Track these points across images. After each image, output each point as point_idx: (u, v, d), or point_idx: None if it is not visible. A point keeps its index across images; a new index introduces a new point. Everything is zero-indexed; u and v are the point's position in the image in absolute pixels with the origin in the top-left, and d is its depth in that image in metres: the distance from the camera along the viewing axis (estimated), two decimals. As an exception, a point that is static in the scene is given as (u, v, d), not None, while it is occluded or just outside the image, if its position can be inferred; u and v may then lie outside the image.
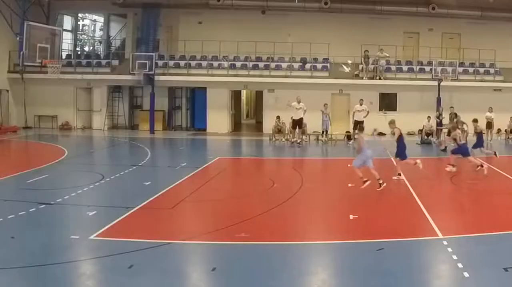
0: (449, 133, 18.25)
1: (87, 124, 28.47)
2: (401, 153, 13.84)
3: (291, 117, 22.38)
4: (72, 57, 29.01)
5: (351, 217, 9.76)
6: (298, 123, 22.19)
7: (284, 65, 26.96)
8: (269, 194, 12.07)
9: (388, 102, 26.89)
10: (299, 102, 22.20)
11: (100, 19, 33.40)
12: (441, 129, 23.36)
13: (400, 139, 13.94)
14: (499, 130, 24.56)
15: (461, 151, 15.00)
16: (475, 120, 17.18)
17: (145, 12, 27.54)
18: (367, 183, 12.15)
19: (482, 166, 14.66)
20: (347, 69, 26.69)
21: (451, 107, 21.89)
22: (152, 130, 26.44)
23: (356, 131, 14.30)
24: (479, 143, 16.67)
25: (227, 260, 7.54)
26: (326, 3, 26.26)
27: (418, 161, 13.97)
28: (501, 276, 6.70)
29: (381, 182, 12.22)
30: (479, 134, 16.76)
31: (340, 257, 7.74)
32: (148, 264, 7.18)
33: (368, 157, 12.36)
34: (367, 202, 11.36)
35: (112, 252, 7.62)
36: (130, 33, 29.31)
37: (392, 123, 14.17)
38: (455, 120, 19.79)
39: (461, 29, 27.70)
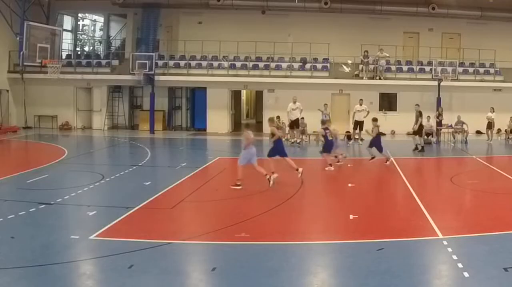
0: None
1: (87, 124, 28.50)
2: (274, 154, 13.39)
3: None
4: (72, 57, 29.04)
5: (351, 217, 9.75)
6: (295, 123, 22.21)
7: (284, 65, 26.97)
8: (269, 194, 12.06)
9: (388, 102, 26.93)
10: (295, 102, 22.22)
11: (100, 19, 33.43)
12: (441, 129, 23.42)
13: (276, 140, 13.45)
14: (499, 130, 24.57)
15: (328, 146, 15.50)
16: (374, 119, 17.02)
17: (145, 12, 27.56)
18: (239, 187, 12.07)
19: (330, 165, 15.10)
20: (347, 69, 26.72)
21: (416, 105, 21.54)
22: (152, 130, 26.45)
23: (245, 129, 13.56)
24: (375, 143, 16.36)
25: (227, 260, 7.53)
26: (326, 3, 26.28)
27: (300, 169, 13.15)
28: (501, 276, 6.70)
29: (268, 177, 12.17)
30: (377, 135, 16.41)
31: (340, 257, 7.74)
32: (148, 264, 7.18)
33: (252, 154, 12.37)
34: (367, 202, 11.37)
35: (112, 252, 7.62)
36: (130, 33, 29.35)
37: (270, 121, 13.95)
38: (420, 119, 19.92)
39: (461, 29, 27.72)
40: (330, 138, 15.55)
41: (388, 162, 15.89)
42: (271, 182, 12.20)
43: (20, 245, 8.05)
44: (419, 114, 20.11)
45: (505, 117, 23.94)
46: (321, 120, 17.00)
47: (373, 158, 16.42)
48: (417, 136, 19.96)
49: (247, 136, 12.68)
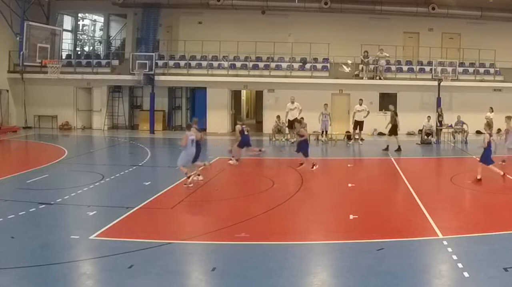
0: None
1: (87, 124, 28.49)
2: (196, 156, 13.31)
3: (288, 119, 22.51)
4: (72, 57, 29.03)
5: (351, 217, 9.76)
6: (293, 123, 22.22)
7: (284, 65, 26.96)
8: (269, 194, 12.07)
9: (388, 102, 26.91)
10: (293, 102, 22.21)
11: (100, 19, 33.40)
12: (441, 129, 23.41)
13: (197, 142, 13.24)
14: (499, 130, 24.54)
15: (242, 142, 16.30)
16: (299, 121, 16.93)
17: (145, 12, 27.55)
18: (195, 178, 12.47)
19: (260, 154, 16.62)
20: (347, 69, 26.71)
21: (390, 105, 21.60)
22: (152, 130, 26.44)
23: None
24: (302, 148, 15.66)
25: (227, 260, 7.54)
26: (326, 3, 26.27)
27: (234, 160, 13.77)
28: (501, 276, 6.71)
29: (189, 180, 12.54)
30: (302, 137, 15.85)
31: (340, 257, 7.74)
32: (148, 264, 7.18)
33: (191, 155, 12.60)
34: (367, 202, 11.37)
35: (112, 252, 7.63)
36: (130, 33, 29.33)
37: (195, 122, 13.81)
38: (395, 118, 20.13)
39: (461, 29, 27.70)
40: (246, 133, 16.31)
41: (314, 167, 15.12)
42: (188, 185, 12.44)
43: (20, 245, 8.05)
44: (394, 115, 20.26)
45: (505, 117, 23.91)
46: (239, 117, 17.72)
47: (301, 164, 15.38)
48: (393, 136, 20.07)
49: (185, 138, 12.59)
